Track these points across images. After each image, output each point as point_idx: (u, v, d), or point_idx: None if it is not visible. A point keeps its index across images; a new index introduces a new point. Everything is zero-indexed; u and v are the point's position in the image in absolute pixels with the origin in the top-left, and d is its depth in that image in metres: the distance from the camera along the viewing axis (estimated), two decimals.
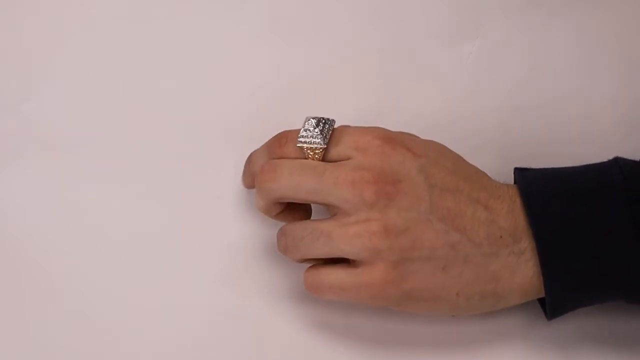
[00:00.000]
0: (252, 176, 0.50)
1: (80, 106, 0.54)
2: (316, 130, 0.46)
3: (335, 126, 0.47)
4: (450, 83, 0.55)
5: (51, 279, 0.50)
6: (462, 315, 0.47)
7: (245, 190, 0.52)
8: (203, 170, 0.53)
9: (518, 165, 0.47)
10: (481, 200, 0.45)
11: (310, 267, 0.47)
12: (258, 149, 0.49)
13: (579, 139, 0.54)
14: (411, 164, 0.44)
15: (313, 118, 0.46)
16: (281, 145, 0.47)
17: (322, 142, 0.46)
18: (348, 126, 0.47)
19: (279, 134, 0.48)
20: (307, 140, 0.46)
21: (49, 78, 0.54)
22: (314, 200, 0.46)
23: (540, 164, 0.47)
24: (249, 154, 0.50)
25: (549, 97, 0.55)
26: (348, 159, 0.45)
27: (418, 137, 0.47)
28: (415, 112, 0.53)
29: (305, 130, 0.46)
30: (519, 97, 0.55)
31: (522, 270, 0.44)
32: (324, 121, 0.46)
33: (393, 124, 0.50)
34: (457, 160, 0.46)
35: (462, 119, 0.54)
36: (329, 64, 0.55)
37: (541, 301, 0.46)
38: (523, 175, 0.46)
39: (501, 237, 0.44)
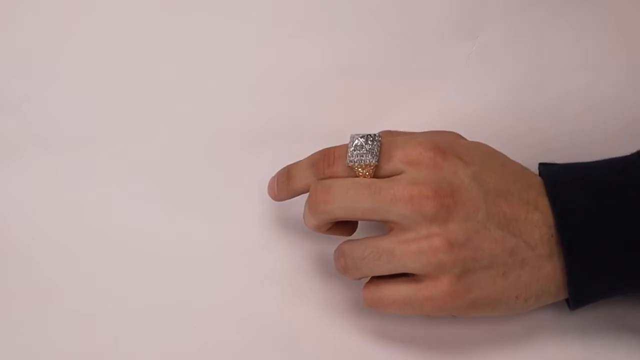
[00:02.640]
0: (291, 192, 0.49)
1: (81, 106, 0.54)
2: (364, 148, 0.46)
3: (381, 139, 0.46)
4: (451, 82, 0.55)
5: (51, 278, 0.50)
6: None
7: (246, 189, 0.53)
8: (203, 170, 0.54)
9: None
10: (531, 200, 0.45)
11: (369, 283, 0.47)
12: (299, 164, 0.49)
13: (582, 138, 0.54)
14: (464, 172, 0.45)
15: (360, 136, 0.46)
16: (330, 165, 0.47)
17: (373, 160, 0.45)
18: (395, 137, 0.47)
19: (324, 151, 0.47)
20: (357, 158, 0.46)
21: (49, 78, 0.54)
22: (371, 218, 0.46)
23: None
24: (285, 166, 0.50)
25: (551, 96, 0.55)
26: (400, 173, 0.45)
27: (463, 139, 0.48)
28: (416, 112, 0.53)
29: (354, 148, 0.46)
30: (520, 96, 0.55)
31: None
32: (371, 138, 0.46)
33: (394, 124, 0.51)
34: (504, 162, 0.47)
35: (463, 118, 0.54)
36: (328, 64, 0.55)
37: None
38: (547, 170, 0.46)
39: (552, 235, 0.45)
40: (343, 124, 0.52)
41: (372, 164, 0.46)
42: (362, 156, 0.46)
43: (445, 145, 0.45)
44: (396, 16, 0.54)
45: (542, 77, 0.55)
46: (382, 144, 0.46)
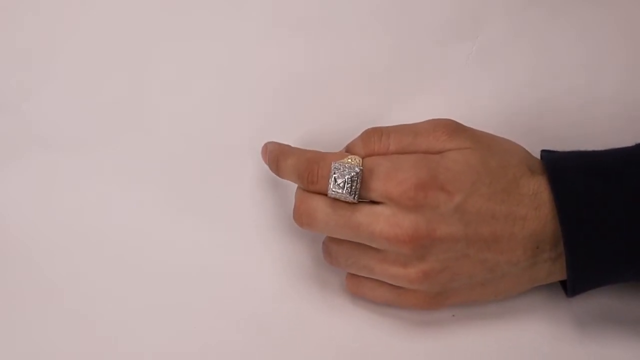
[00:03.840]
0: (278, 171, 0.49)
1: (81, 106, 0.54)
2: (345, 188, 0.45)
3: (361, 170, 0.45)
4: (451, 82, 0.55)
5: (51, 278, 0.50)
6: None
7: (245, 189, 0.53)
8: (203, 170, 0.53)
9: None
10: (518, 218, 0.45)
11: (352, 274, 0.49)
12: (287, 163, 0.48)
13: (581, 138, 0.54)
14: (446, 206, 0.44)
15: (339, 177, 0.45)
16: (313, 183, 0.47)
17: (351, 198, 0.45)
18: (377, 164, 0.46)
19: (309, 165, 0.47)
20: (337, 194, 0.45)
21: (49, 78, 0.54)
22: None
23: None
24: (275, 151, 0.49)
25: (550, 96, 0.55)
26: (380, 202, 0.45)
27: (452, 159, 0.46)
28: (416, 112, 0.53)
29: (333, 185, 0.45)
30: (520, 97, 0.55)
31: (558, 270, 0.46)
32: (349, 178, 0.45)
33: (394, 124, 0.50)
34: (494, 176, 0.46)
35: (462, 119, 0.54)
36: (329, 63, 0.55)
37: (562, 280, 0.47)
38: (549, 156, 0.46)
39: (538, 247, 0.45)
40: (343, 124, 0.52)
41: (351, 201, 0.45)
42: (342, 194, 0.45)
43: (428, 179, 0.45)
44: (396, 16, 0.54)
45: (542, 77, 0.55)
46: (362, 177, 0.45)
